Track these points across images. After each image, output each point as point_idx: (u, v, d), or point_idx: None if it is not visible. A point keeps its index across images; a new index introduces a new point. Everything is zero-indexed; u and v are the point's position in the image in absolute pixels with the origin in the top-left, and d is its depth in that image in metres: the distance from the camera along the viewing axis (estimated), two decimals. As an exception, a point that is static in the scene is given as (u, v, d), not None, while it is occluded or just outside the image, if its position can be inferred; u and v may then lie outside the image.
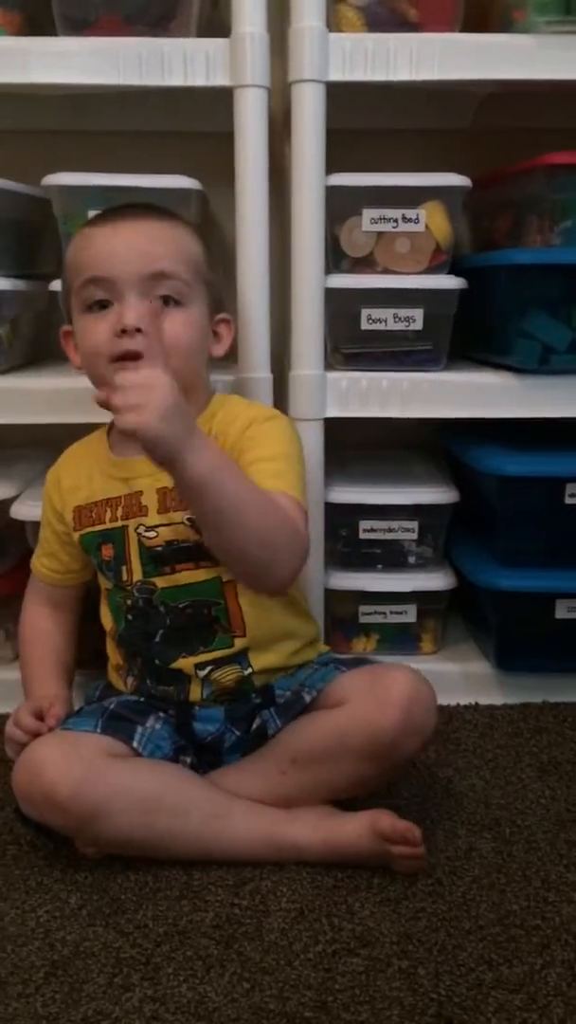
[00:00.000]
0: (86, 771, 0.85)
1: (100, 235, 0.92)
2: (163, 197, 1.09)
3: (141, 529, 0.96)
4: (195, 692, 0.96)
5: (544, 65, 1.07)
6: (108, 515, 0.98)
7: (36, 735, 0.91)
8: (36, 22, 1.12)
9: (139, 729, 0.92)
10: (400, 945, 0.80)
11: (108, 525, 0.97)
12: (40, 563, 1.06)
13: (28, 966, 0.78)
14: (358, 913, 0.84)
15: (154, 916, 0.84)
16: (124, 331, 0.88)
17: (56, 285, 1.12)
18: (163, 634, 0.96)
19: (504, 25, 1.11)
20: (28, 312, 1.26)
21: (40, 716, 0.94)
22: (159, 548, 0.95)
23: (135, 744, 0.91)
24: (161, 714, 0.95)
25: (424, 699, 0.90)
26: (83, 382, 1.13)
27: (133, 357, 0.87)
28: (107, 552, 0.98)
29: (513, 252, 1.14)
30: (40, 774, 0.85)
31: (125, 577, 0.97)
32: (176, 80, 1.07)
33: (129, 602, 0.97)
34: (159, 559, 0.95)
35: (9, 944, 0.81)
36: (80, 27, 1.09)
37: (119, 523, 0.97)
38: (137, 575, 0.96)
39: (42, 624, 1.06)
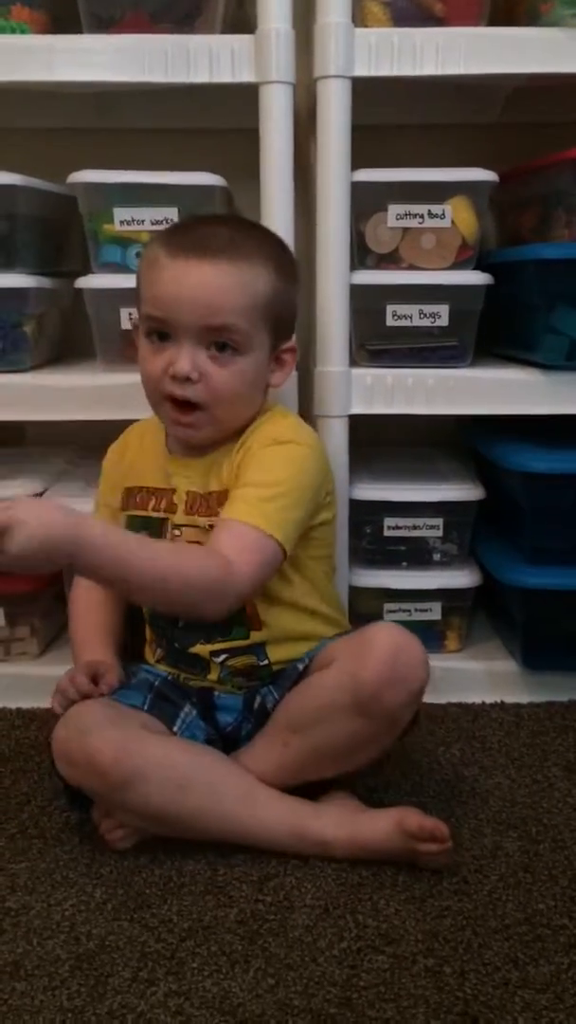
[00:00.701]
0: (128, 740, 0.88)
1: (167, 270, 0.91)
2: (189, 194, 1.10)
3: (171, 525, 0.99)
4: (213, 672, 0.99)
5: (572, 58, 1.07)
6: (152, 504, 1.00)
7: (87, 697, 0.93)
8: (62, 20, 1.13)
9: (181, 714, 0.96)
10: (425, 943, 0.80)
11: (151, 513, 1.00)
12: None
13: (54, 959, 0.79)
14: (383, 910, 0.84)
15: (179, 911, 0.84)
16: (175, 376, 0.91)
17: (81, 283, 1.13)
18: (184, 622, 0.99)
19: (531, 18, 1.10)
20: (54, 309, 1.27)
21: (95, 680, 0.96)
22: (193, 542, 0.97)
23: (175, 728, 0.95)
24: (192, 700, 0.99)
25: (407, 650, 0.89)
26: (108, 379, 1.15)
27: (182, 402, 0.92)
28: None
29: (540, 247, 1.13)
30: (85, 736, 0.88)
31: None
32: (202, 77, 1.07)
33: None
34: None
35: (35, 937, 0.81)
36: (106, 25, 1.10)
37: (161, 514, 0.99)
38: None
39: (95, 594, 1.06)
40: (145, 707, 0.94)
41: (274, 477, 0.93)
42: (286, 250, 1.00)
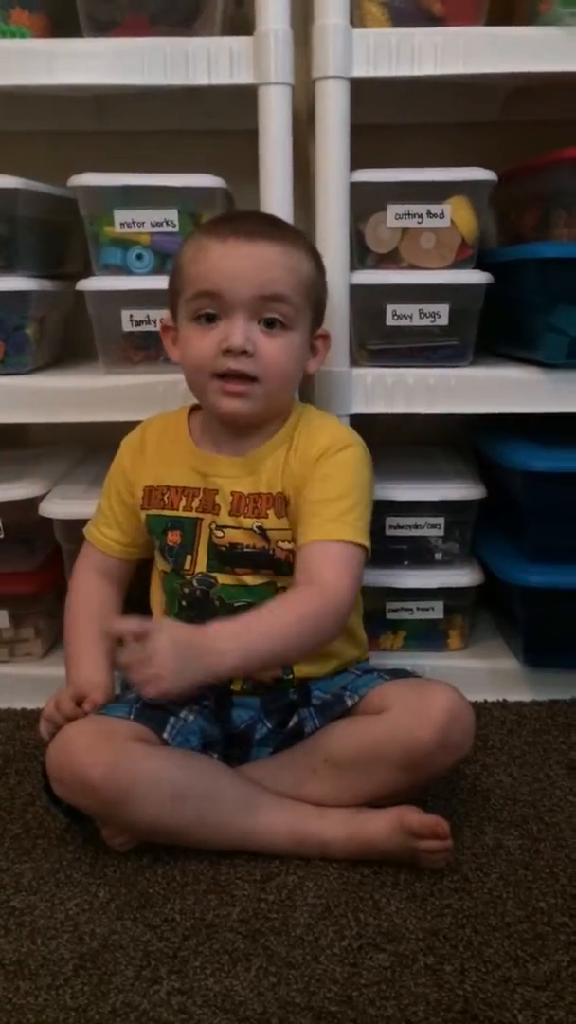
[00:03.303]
0: (118, 756, 0.87)
1: (216, 250, 0.93)
2: (189, 196, 1.10)
3: (213, 527, 0.98)
4: (236, 682, 0.98)
5: (571, 57, 1.07)
6: (183, 503, 0.99)
7: (72, 720, 0.92)
8: (61, 23, 1.13)
9: (171, 720, 0.93)
10: (426, 941, 0.80)
11: (181, 513, 0.99)
12: (101, 533, 1.06)
13: (57, 958, 0.79)
14: (384, 909, 0.84)
15: (181, 910, 0.85)
16: (230, 350, 0.91)
17: (83, 285, 1.13)
18: None
19: (530, 18, 1.10)
20: (55, 312, 1.27)
21: (80, 702, 0.95)
22: (224, 548, 0.97)
23: (165, 735, 0.92)
24: (195, 706, 0.96)
25: (463, 718, 0.91)
26: (109, 381, 1.15)
27: (238, 376, 0.93)
28: (173, 538, 1.00)
29: (540, 246, 1.13)
30: (73, 757, 0.87)
31: (188, 566, 0.99)
32: (200, 79, 1.08)
33: (186, 590, 0.99)
34: (222, 558, 0.97)
35: (39, 937, 0.82)
36: (105, 27, 1.10)
37: (194, 514, 0.99)
38: (201, 567, 0.98)
39: (92, 598, 1.06)
40: (131, 716, 0.92)
41: (344, 488, 0.95)
42: (314, 246, 1.03)
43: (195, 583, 0.99)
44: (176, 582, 1.00)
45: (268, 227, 0.96)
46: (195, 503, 0.99)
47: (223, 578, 0.98)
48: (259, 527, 0.96)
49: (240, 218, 0.98)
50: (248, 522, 0.97)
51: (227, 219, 0.98)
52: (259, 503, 0.97)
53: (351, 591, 0.93)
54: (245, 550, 0.97)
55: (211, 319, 0.93)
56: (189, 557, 0.99)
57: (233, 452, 0.99)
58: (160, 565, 1.03)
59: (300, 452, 0.97)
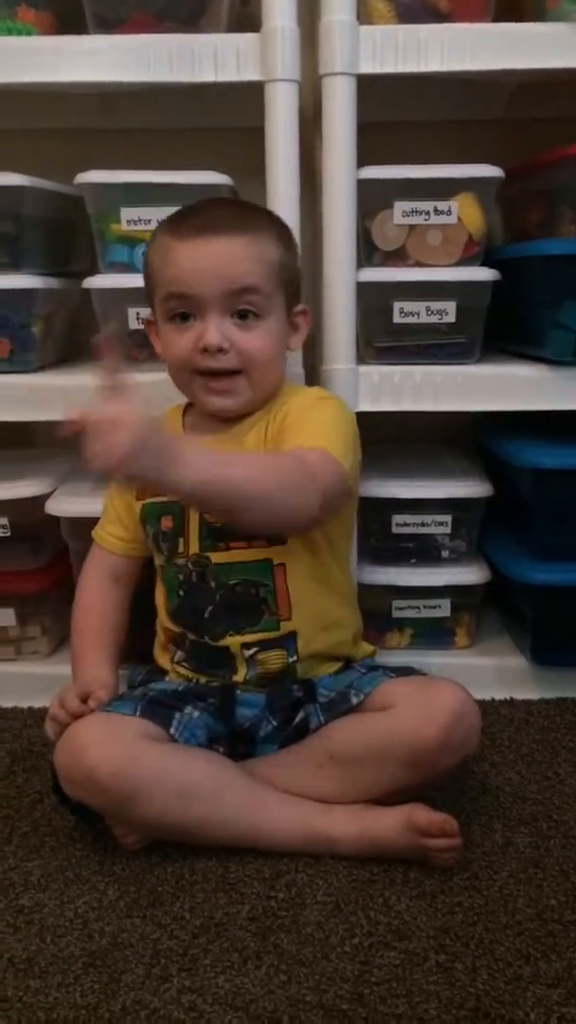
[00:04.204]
0: (126, 753, 0.87)
1: (181, 251, 0.93)
2: (195, 193, 1.10)
3: None
4: (240, 672, 0.98)
5: (578, 54, 1.06)
6: None
7: (78, 717, 0.92)
8: (67, 21, 1.13)
9: (177, 716, 0.93)
10: (437, 939, 0.80)
11: (170, 497, 0.98)
12: (105, 532, 1.07)
13: (67, 956, 0.79)
14: (394, 907, 0.84)
15: (191, 908, 0.84)
16: (206, 349, 0.92)
17: (89, 283, 1.13)
18: (212, 610, 0.97)
19: (537, 14, 1.10)
20: (61, 310, 1.27)
21: (85, 700, 0.95)
22: (219, 524, 0.96)
23: (172, 730, 0.92)
24: (201, 703, 0.96)
25: (469, 716, 0.90)
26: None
27: (217, 374, 0.93)
28: (166, 523, 0.99)
29: (547, 243, 1.13)
30: (82, 754, 0.87)
31: (181, 549, 0.99)
32: (207, 76, 1.08)
33: (182, 577, 0.99)
34: (216, 534, 0.97)
35: (48, 935, 0.82)
36: (111, 25, 1.10)
37: None
38: (193, 548, 0.98)
39: (99, 598, 1.06)
40: (138, 713, 0.91)
41: (325, 425, 0.95)
42: (282, 221, 1.02)
43: (190, 566, 0.98)
44: (172, 571, 1.00)
45: (231, 218, 0.95)
46: None
47: (216, 557, 0.97)
48: None
49: (201, 211, 0.96)
50: None
51: (189, 214, 0.96)
52: None
53: (327, 489, 0.88)
54: None
55: (185, 318, 0.94)
56: (181, 540, 0.98)
57: (222, 428, 0.99)
58: (157, 560, 1.03)
59: (279, 415, 0.98)
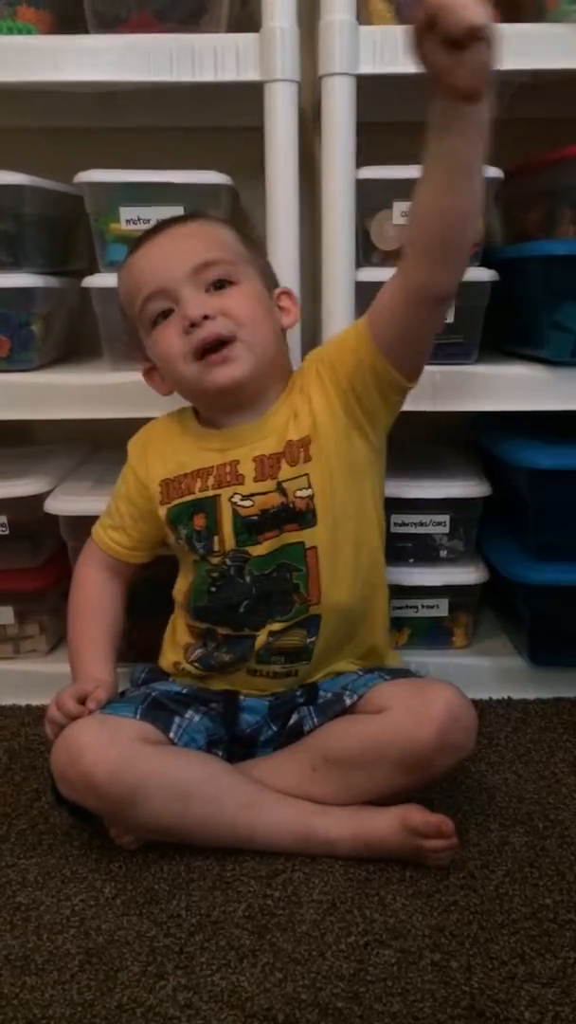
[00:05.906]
0: (123, 755, 0.87)
1: (139, 259, 0.96)
2: (194, 192, 1.10)
3: (236, 498, 0.96)
4: (259, 641, 0.97)
5: (578, 54, 1.06)
6: (198, 485, 0.98)
7: (76, 719, 0.92)
8: (67, 20, 1.13)
9: (177, 720, 0.93)
10: (432, 938, 0.80)
11: (198, 495, 0.97)
12: (107, 535, 1.05)
13: (63, 954, 0.79)
14: (390, 905, 0.84)
15: (187, 906, 0.85)
16: (193, 324, 0.92)
17: (88, 282, 1.13)
18: (248, 604, 0.97)
19: (537, 14, 1.10)
20: (61, 309, 1.27)
21: (83, 701, 0.94)
22: (255, 517, 0.95)
23: (171, 734, 0.92)
24: (203, 707, 0.96)
25: (463, 719, 0.90)
26: (115, 378, 1.15)
27: (215, 343, 0.92)
28: (199, 522, 0.98)
29: (546, 243, 1.13)
30: (79, 756, 0.86)
31: (216, 547, 0.97)
32: (207, 76, 1.08)
33: (216, 574, 0.97)
34: (253, 528, 0.96)
35: (45, 932, 0.82)
36: (111, 24, 1.10)
37: (210, 492, 0.97)
38: (229, 544, 0.96)
39: (96, 592, 1.05)
40: (137, 716, 0.91)
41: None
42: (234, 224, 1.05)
43: (228, 561, 0.97)
44: (205, 568, 0.98)
45: (178, 218, 1.00)
46: (210, 481, 0.97)
47: (255, 549, 0.96)
48: (278, 483, 0.95)
49: (148, 230, 0.99)
50: (271, 483, 0.95)
51: (136, 240, 1.00)
52: (293, 451, 0.96)
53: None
54: (271, 512, 0.95)
55: (167, 315, 0.94)
56: (216, 537, 0.97)
57: (242, 418, 0.98)
58: (189, 558, 1.00)
59: (299, 385, 0.99)
